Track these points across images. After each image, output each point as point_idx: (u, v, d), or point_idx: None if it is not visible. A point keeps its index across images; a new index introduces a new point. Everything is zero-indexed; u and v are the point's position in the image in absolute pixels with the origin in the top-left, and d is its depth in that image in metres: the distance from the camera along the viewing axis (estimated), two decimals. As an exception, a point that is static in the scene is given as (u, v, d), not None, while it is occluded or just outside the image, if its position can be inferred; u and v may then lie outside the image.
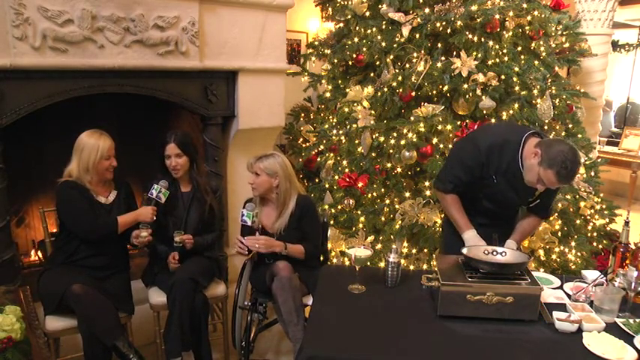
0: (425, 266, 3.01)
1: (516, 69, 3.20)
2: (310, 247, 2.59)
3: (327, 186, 3.42)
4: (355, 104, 3.30)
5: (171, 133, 2.61)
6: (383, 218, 3.15)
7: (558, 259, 3.18)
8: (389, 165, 3.21)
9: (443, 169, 2.38)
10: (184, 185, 2.69)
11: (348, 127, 3.36)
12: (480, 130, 2.49)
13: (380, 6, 3.37)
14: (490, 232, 2.22)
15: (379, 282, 2.08)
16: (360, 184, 3.21)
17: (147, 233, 2.48)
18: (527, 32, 3.42)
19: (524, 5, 3.30)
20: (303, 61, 4.06)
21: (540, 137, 2.12)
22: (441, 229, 2.91)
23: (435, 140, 3.06)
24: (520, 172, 2.11)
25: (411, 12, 3.29)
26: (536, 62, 3.36)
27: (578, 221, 3.38)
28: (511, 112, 3.15)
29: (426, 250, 3.03)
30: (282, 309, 2.37)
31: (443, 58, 3.19)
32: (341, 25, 3.77)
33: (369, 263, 2.22)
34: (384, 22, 3.36)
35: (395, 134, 3.15)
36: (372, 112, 3.27)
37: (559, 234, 3.24)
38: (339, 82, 3.70)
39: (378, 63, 3.37)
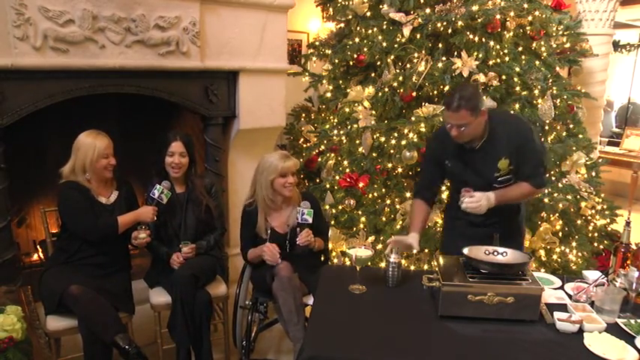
0: (425, 266, 3.01)
1: (517, 69, 3.20)
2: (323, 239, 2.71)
3: (327, 186, 3.41)
4: (356, 104, 3.30)
5: (175, 132, 2.63)
6: (384, 218, 3.14)
7: (559, 260, 3.17)
8: (390, 165, 3.20)
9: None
10: (179, 186, 2.68)
11: (349, 127, 3.36)
12: (502, 115, 2.46)
13: (381, 6, 3.37)
14: (492, 231, 2.21)
15: (380, 282, 2.08)
16: (360, 185, 3.21)
17: (145, 235, 2.48)
18: (528, 32, 3.41)
19: (525, 5, 3.30)
20: (304, 62, 4.05)
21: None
22: (441, 229, 2.91)
23: (435, 140, 3.05)
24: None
25: (411, 12, 3.29)
26: (537, 62, 3.35)
27: (579, 221, 3.38)
28: (512, 112, 3.15)
29: (426, 250, 3.03)
30: (283, 309, 2.37)
31: (444, 59, 3.19)
32: (342, 25, 3.77)
33: (369, 263, 2.22)
34: (384, 23, 3.35)
35: (396, 134, 3.15)
36: (373, 112, 3.27)
37: (560, 234, 3.24)
38: (340, 82, 3.70)
39: (379, 63, 3.37)
